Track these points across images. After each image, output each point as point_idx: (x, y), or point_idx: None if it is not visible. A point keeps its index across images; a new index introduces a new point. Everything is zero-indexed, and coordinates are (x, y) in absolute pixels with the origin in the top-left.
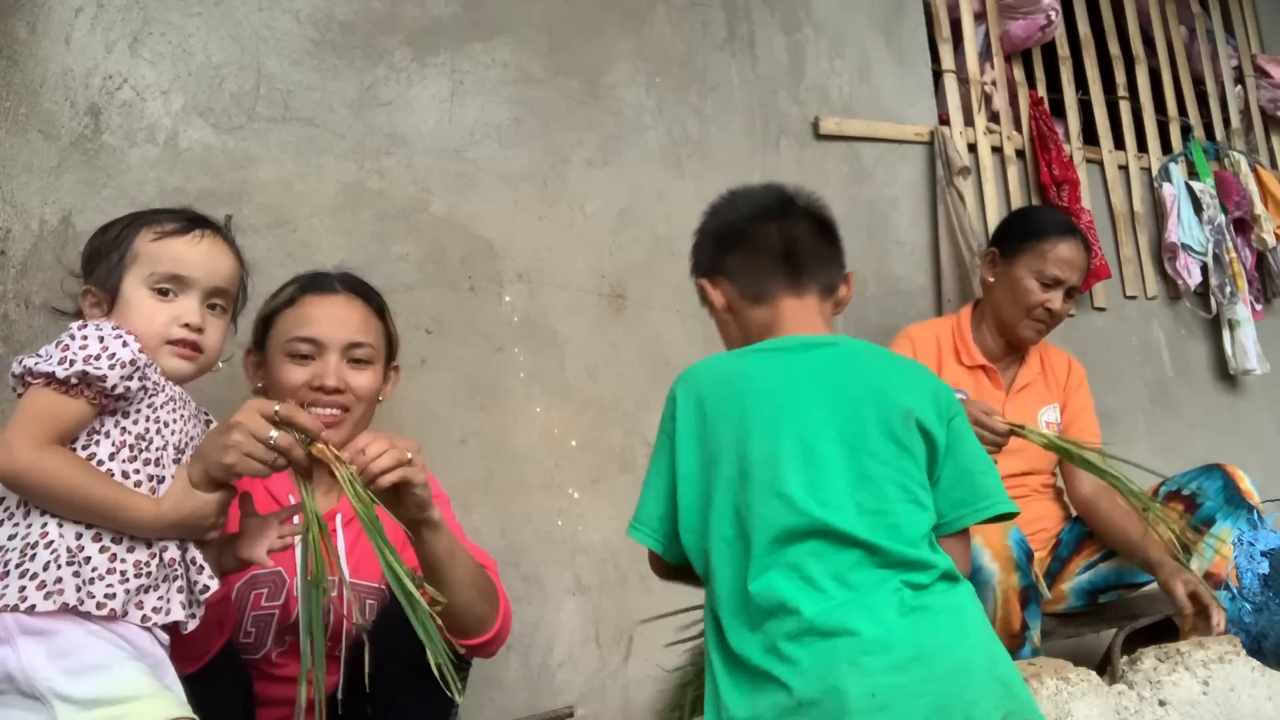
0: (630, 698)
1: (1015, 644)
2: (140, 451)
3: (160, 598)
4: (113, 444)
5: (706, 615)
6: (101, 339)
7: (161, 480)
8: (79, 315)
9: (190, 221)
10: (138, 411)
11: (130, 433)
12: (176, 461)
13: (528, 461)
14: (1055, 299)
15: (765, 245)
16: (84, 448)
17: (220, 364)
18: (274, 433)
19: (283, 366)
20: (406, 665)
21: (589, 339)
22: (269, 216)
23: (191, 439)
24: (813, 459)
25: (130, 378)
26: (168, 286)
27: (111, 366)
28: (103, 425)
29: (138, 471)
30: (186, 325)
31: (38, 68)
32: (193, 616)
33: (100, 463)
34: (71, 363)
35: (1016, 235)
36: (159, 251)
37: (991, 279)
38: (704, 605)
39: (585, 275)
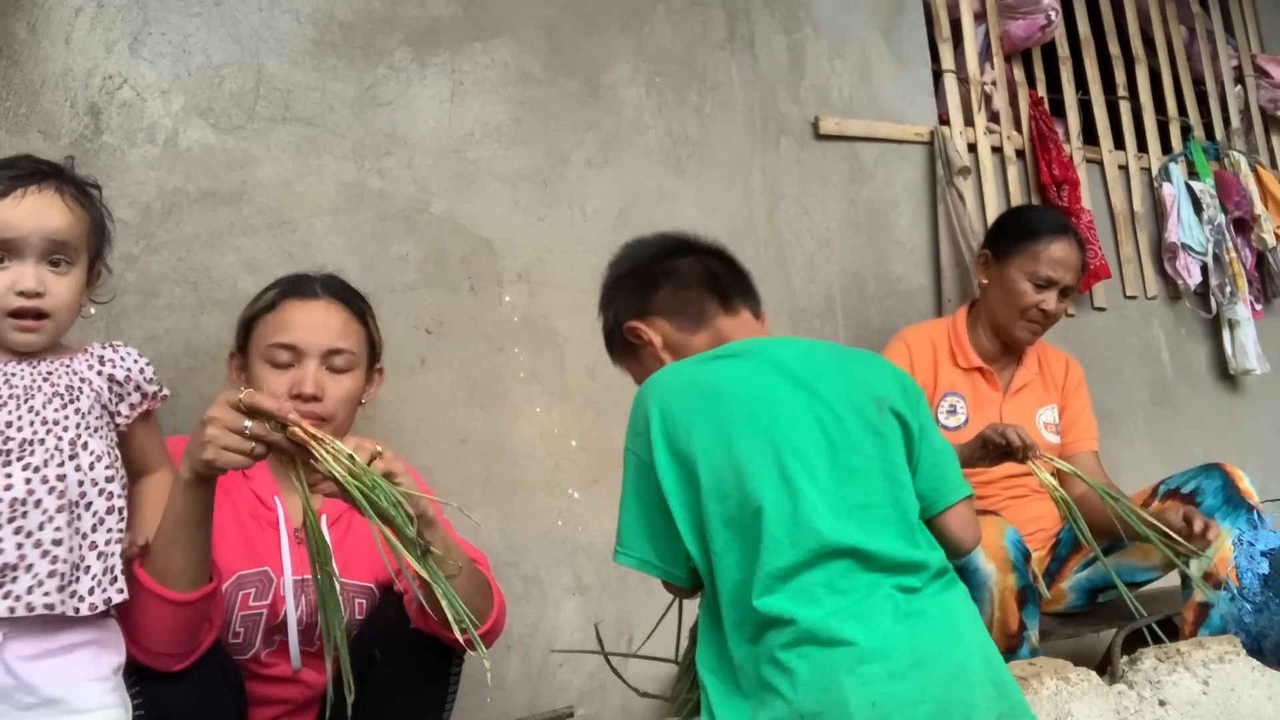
0: (630, 698)
1: (1013, 644)
2: None
3: None
4: None
5: (703, 624)
6: None
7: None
8: None
9: (12, 180)
10: None
11: None
12: (52, 445)
13: (528, 461)
14: (1049, 300)
15: (688, 276)
16: None
17: (92, 309)
18: (248, 422)
19: (262, 373)
20: (398, 663)
21: (589, 339)
22: (269, 216)
23: (45, 418)
24: (804, 467)
25: None
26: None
27: None
28: None
29: None
30: (22, 293)
31: (38, 68)
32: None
33: None
34: None
35: (1008, 236)
36: None
37: (985, 281)
38: (700, 614)
39: (585, 275)
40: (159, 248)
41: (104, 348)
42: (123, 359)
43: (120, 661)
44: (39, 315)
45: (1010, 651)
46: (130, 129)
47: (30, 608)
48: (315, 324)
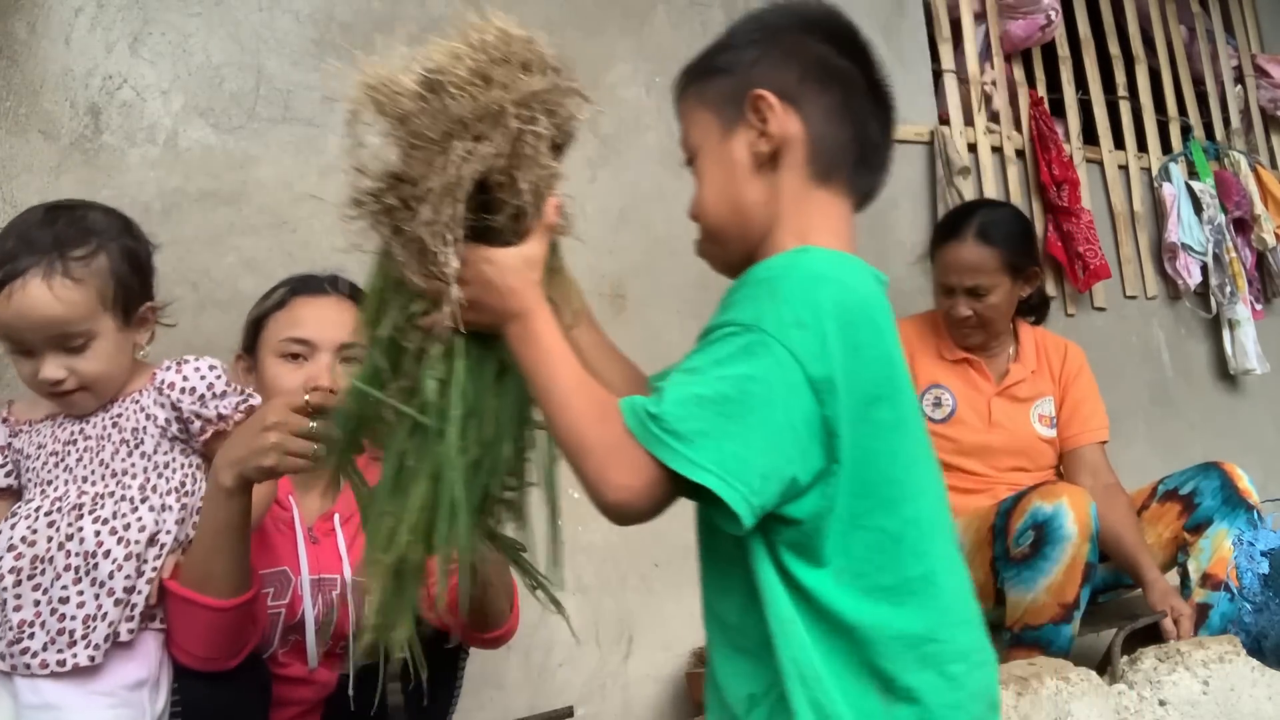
0: (630, 698)
1: (1062, 616)
2: (57, 502)
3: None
4: (30, 508)
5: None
6: None
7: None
8: None
9: (4, 278)
10: (30, 472)
11: (37, 494)
12: (120, 495)
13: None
14: (959, 305)
15: (859, 110)
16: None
17: (146, 348)
18: (312, 424)
19: (275, 368)
20: (406, 661)
21: None
22: (269, 216)
23: (114, 469)
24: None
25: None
26: (19, 348)
27: None
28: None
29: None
30: (46, 379)
31: (38, 68)
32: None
33: (26, 537)
34: None
35: (930, 247)
36: None
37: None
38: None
39: (585, 275)
40: (159, 248)
41: (167, 369)
42: (185, 379)
43: (143, 676)
44: (74, 389)
45: (1054, 622)
46: (130, 129)
47: (92, 660)
48: (328, 319)
